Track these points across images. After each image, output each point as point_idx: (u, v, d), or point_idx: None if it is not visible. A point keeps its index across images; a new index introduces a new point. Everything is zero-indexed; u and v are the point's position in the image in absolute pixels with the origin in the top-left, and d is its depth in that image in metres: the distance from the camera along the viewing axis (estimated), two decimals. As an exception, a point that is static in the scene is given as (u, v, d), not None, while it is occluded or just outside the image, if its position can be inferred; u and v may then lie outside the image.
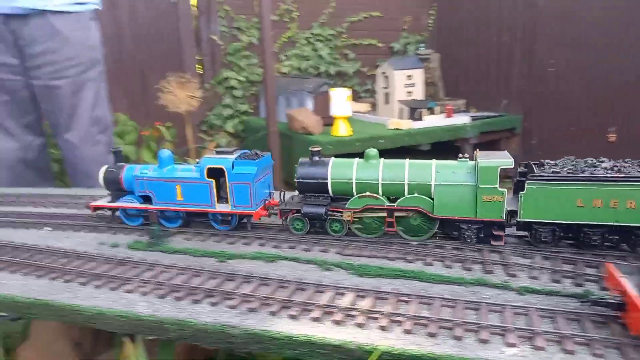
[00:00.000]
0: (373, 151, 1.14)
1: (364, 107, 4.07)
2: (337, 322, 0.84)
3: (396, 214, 1.11)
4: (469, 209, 1.05)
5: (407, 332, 0.80)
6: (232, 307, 0.89)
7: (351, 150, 3.18)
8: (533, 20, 3.69)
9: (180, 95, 3.43)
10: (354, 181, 1.13)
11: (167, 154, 1.28)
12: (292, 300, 0.89)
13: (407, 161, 1.10)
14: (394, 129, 3.39)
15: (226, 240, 1.22)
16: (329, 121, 3.48)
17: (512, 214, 1.05)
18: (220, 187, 1.21)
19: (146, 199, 1.28)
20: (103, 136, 2.28)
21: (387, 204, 1.10)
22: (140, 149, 3.33)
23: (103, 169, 1.37)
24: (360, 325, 0.83)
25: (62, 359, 1.36)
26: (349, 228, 1.14)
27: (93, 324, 0.92)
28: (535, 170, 1.02)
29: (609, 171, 1.00)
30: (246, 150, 1.25)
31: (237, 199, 1.19)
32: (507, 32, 3.94)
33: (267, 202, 1.23)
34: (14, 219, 1.40)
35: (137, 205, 1.27)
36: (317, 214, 1.14)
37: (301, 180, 1.17)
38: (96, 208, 1.35)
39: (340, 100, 3.19)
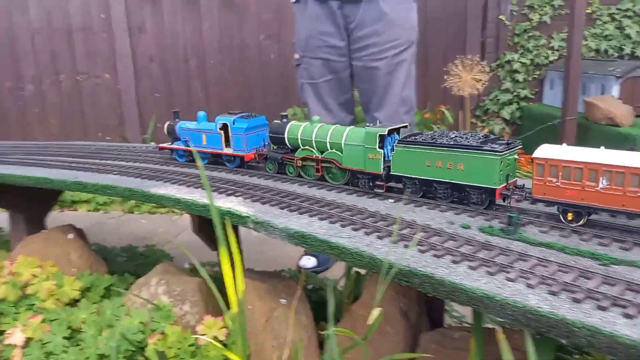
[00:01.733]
0: (316, 117, 1.61)
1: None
2: None
3: (322, 163, 1.55)
4: (362, 164, 1.44)
5: None
6: (656, 325, 0.76)
7: (677, 148, 2.61)
8: None
9: (466, 78, 3.35)
10: (299, 138, 1.59)
11: (202, 114, 1.86)
12: None
13: (332, 126, 1.55)
14: None
15: (595, 241, 1.07)
16: (639, 112, 2.94)
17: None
18: (228, 137, 1.76)
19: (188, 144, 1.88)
20: (407, 116, 2.36)
21: (316, 155, 1.55)
22: (421, 130, 3.37)
23: (166, 123, 1.97)
24: None
25: (390, 323, 1.43)
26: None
27: (477, 306, 0.90)
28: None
29: (450, 140, 1.29)
30: (245, 113, 1.78)
31: (235, 145, 1.74)
32: None
33: (258, 149, 1.72)
34: (359, 189, 1.52)
35: (183, 147, 1.90)
36: (275, 158, 1.65)
37: (271, 135, 1.67)
38: (161, 148, 1.99)
39: (667, 87, 2.62)
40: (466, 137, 1.29)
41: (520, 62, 3.88)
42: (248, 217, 1.29)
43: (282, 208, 1.35)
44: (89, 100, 4.35)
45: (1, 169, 1.86)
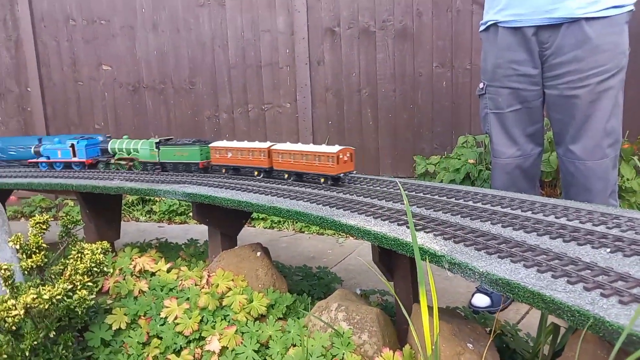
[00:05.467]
0: (125, 136, 2.74)
1: None
2: None
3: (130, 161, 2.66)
4: (149, 157, 2.61)
5: None
6: None
7: None
8: None
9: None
10: (116, 148, 2.71)
11: (56, 139, 2.89)
12: None
13: (132, 140, 2.67)
14: None
15: None
16: None
17: None
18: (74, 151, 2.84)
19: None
20: (611, 149, 2.09)
21: (125, 155, 2.68)
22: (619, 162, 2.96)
23: (33, 148, 2.99)
24: None
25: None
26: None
27: None
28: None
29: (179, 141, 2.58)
30: (103, 135, 2.88)
31: (79, 155, 2.78)
32: None
33: (94, 157, 2.77)
34: (562, 231, 1.37)
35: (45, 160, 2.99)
36: (103, 161, 2.77)
37: (103, 147, 2.78)
38: (30, 163, 3.05)
39: None
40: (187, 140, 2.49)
41: None
42: (443, 256, 1.25)
43: (478, 249, 1.28)
44: (272, 126, 4.77)
45: (209, 191, 2.11)
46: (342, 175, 2.05)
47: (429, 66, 4.19)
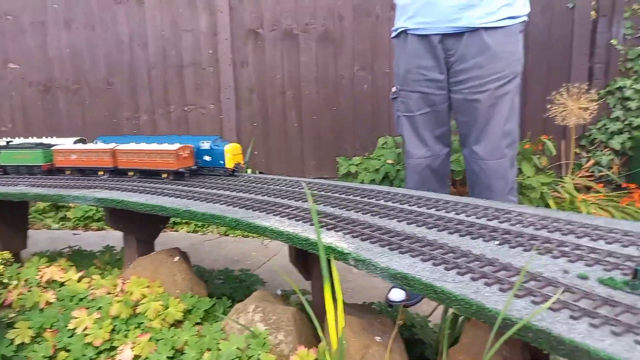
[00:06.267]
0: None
1: None
2: None
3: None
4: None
5: None
6: None
7: None
8: None
9: (572, 107, 3.15)
10: None
11: None
12: None
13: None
14: None
15: None
16: None
17: None
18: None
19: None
20: (509, 150, 2.26)
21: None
22: (520, 161, 3.22)
23: None
24: None
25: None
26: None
27: (599, 369, 0.83)
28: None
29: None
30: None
31: None
32: None
33: None
34: (459, 227, 1.48)
35: None
36: None
37: None
38: None
39: None
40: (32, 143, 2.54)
41: (634, 88, 3.58)
42: (349, 254, 1.30)
43: (382, 246, 1.35)
44: (195, 128, 4.68)
45: (122, 195, 2.05)
46: (182, 170, 2.24)
47: (350, 69, 4.31)
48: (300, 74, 4.40)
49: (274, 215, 1.68)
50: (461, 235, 1.42)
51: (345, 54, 4.30)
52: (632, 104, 3.59)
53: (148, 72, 4.68)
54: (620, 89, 3.63)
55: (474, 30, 2.18)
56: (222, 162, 2.22)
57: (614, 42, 3.60)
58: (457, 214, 1.63)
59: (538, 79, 3.79)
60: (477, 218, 1.57)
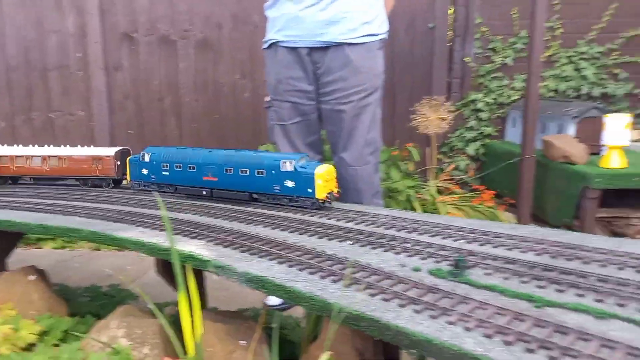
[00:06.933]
0: None
1: (635, 135, 3.49)
2: None
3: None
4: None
5: None
6: (579, 368, 0.81)
7: (627, 185, 2.75)
8: None
9: (432, 117, 3.48)
10: None
11: None
12: (656, 376, 0.77)
13: None
14: (684, 165, 2.81)
15: (533, 283, 1.14)
16: (594, 150, 3.09)
17: None
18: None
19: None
20: (372, 157, 2.44)
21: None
22: (389, 167, 3.47)
23: None
24: None
25: (347, 364, 1.46)
26: None
27: (417, 349, 0.95)
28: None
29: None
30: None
31: None
32: None
33: None
34: (319, 229, 1.57)
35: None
36: None
37: None
38: None
39: (617, 128, 2.78)
40: None
41: (484, 101, 4.06)
42: (209, 261, 1.32)
43: (243, 251, 1.39)
44: (62, 135, 4.35)
45: (-36, 211, 1.86)
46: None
47: (231, 77, 4.31)
48: (178, 80, 4.30)
49: (137, 226, 1.64)
50: (319, 237, 1.52)
51: (225, 62, 4.29)
52: (483, 115, 4.06)
53: (7, 75, 4.25)
54: (473, 101, 4.09)
55: (338, 45, 2.32)
56: (310, 191, 1.70)
57: (467, 59, 4.05)
58: (319, 217, 1.73)
59: (404, 91, 4.12)
60: (337, 220, 1.68)
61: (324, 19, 2.28)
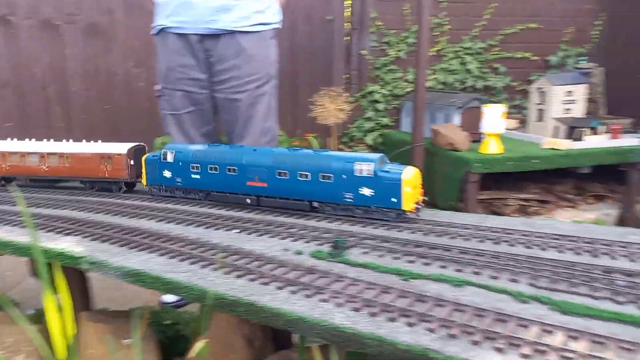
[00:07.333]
0: None
1: (512, 123, 3.84)
2: (551, 363, 0.78)
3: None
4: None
5: (639, 386, 0.72)
6: (431, 331, 0.88)
7: (502, 169, 3.02)
8: None
9: (330, 108, 3.56)
10: None
11: None
12: (494, 332, 0.86)
13: None
14: (550, 149, 3.14)
15: (405, 259, 1.22)
16: (476, 138, 3.35)
17: None
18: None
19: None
20: (270, 146, 2.45)
21: None
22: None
23: None
24: (579, 371, 0.76)
25: (235, 352, 1.47)
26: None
27: (292, 328, 0.98)
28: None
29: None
30: None
31: None
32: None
33: None
34: (206, 220, 1.56)
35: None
36: None
37: None
38: None
39: (494, 117, 3.04)
40: None
41: (381, 93, 4.23)
42: (82, 257, 1.25)
43: (121, 245, 1.33)
44: None
45: None
46: None
47: (124, 65, 4.08)
48: (65, 67, 3.99)
49: (5, 224, 1.51)
50: (206, 228, 1.50)
51: (117, 49, 4.05)
52: (380, 106, 4.24)
53: None
54: (371, 93, 4.24)
55: (231, 33, 2.29)
56: (395, 201, 1.39)
57: (363, 52, 4.19)
58: (209, 208, 1.71)
59: (306, 82, 4.16)
60: (226, 210, 1.67)
61: (214, 5, 2.24)
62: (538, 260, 1.14)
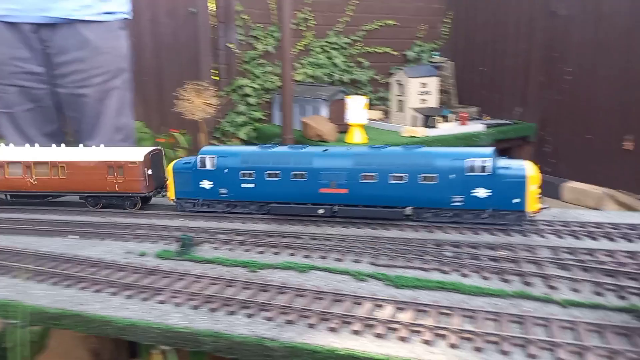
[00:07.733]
0: None
1: (376, 114, 4.05)
2: (379, 336, 0.81)
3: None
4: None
5: (453, 346, 0.78)
6: (269, 319, 0.87)
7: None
8: (552, 29, 3.67)
9: (197, 102, 3.43)
10: None
11: None
12: (330, 312, 0.87)
13: None
14: (408, 137, 3.37)
15: (255, 250, 1.20)
16: (343, 128, 3.47)
17: None
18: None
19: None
20: (124, 144, 2.28)
21: None
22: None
23: None
24: (403, 339, 0.80)
25: (85, 368, 1.34)
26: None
27: (125, 335, 0.90)
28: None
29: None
30: None
31: None
32: (524, 41, 3.93)
33: None
34: (38, 227, 1.39)
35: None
36: None
37: None
38: None
39: (357, 108, 3.17)
40: None
41: (251, 87, 4.19)
42: None
43: None
44: None
45: None
46: None
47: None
48: None
49: None
50: (40, 236, 1.34)
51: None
52: (252, 100, 4.20)
53: None
54: (241, 87, 4.18)
55: (71, 22, 2.08)
56: (517, 202, 1.10)
57: (230, 45, 4.11)
58: (43, 214, 1.54)
59: (172, 77, 3.97)
60: (62, 215, 1.51)
61: (49, -9, 2.01)
62: (379, 240, 1.19)
